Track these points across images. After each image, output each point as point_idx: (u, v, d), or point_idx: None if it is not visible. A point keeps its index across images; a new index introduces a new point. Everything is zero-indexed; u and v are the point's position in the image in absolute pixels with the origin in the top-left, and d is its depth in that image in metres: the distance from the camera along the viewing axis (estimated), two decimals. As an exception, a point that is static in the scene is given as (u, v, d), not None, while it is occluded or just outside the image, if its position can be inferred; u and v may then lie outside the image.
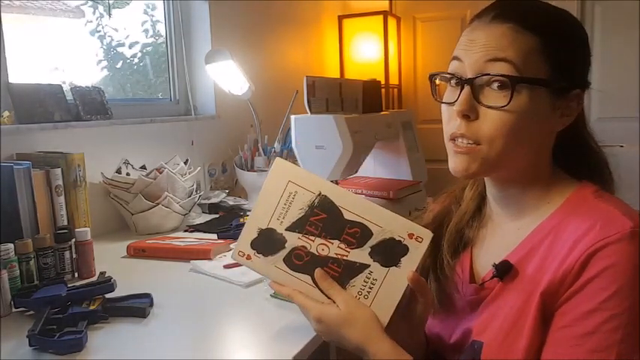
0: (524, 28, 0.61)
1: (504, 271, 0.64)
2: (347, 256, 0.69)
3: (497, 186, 0.70)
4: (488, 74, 0.61)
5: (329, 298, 0.69)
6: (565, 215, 0.63)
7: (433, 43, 2.88)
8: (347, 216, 0.69)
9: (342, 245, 0.69)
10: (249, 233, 0.73)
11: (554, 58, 0.62)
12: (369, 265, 0.68)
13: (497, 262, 0.65)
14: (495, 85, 0.61)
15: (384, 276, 0.68)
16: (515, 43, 0.61)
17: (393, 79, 2.86)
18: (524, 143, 0.63)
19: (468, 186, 0.79)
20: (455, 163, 0.66)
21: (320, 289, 0.70)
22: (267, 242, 0.72)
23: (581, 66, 0.66)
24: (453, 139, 0.65)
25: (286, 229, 0.71)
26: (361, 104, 1.51)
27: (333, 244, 0.69)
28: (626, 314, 0.55)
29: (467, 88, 0.62)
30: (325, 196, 0.70)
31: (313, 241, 0.70)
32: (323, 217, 0.70)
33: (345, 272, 0.69)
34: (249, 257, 0.73)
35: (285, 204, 0.72)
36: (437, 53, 2.84)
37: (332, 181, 1.36)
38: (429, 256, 0.75)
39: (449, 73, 0.66)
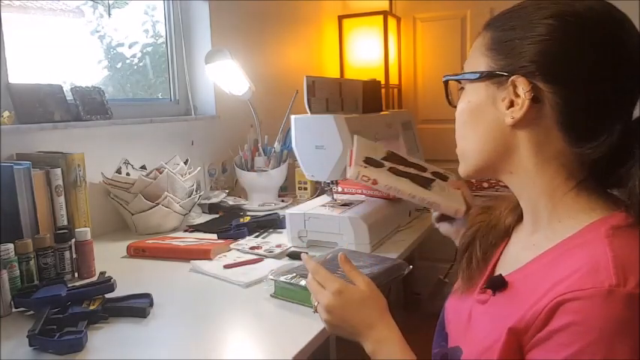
0: (485, 29, 0.65)
1: (495, 285, 0.62)
2: (423, 173, 1.11)
3: (513, 190, 0.68)
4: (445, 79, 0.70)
5: (350, 280, 0.77)
6: (570, 247, 0.57)
7: (433, 43, 2.87)
8: (409, 159, 1.17)
9: (415, 170, 1.12)
10: (359, 157, 1.10)
11: (493, 49, 0.62)
12: (434, 179, 1.08)
13: (498, 275, 0.63)
14: (459, 88, 0.68)
15: (444, 185, 1.06)
16: (472, 48, 0.66)
17: (393, 79, 2.86)
18: (473, 138, 0.66)
19: (505, 201, 0.78)
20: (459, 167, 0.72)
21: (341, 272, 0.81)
22: (372, 162, 1.10)
23: (525, 52, 0.58)
24: None
25: (381, 159, 1.13)
26: (361, 104, 1.51)
27: (410, 168, 1.12)
28: None
29: (460, 92, 0.69)
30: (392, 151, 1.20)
31: (398, 166, 1.12)
32: (397, 158, 1.16)
33: (423, 181, 1.07)
34: (365, 166, 1.07)
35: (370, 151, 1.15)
36: (437, 53, 2.84)
37: (332, 181, 1.37)
38: (475, 232, 0.75)
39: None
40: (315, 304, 0.77)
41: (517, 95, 0.59)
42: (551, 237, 0.60)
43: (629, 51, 0.57)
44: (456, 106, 0.69)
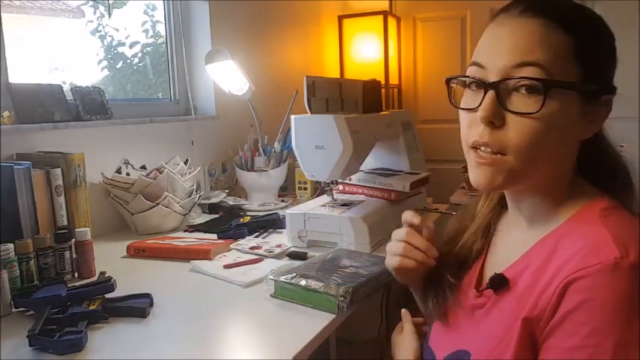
0: (556, 25, 0.57)
1: (498, 283, 0.62)
2: None
3: (514, 197, 0.67)
4: (516, 77, 0.56)
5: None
6: (565, 233, 0.59)
7: (433, 43, 2.88)
8: None
9: None
10: None
11: (586, 59, 0.57)
12: None
13: (497, 272, 0.63)
14: (524, 89, 0.56)
15: None
16: (545, 43, 0.56)
17: (393, 79, 2.86)
18: (553, 152, 0.59)
19: (482, 200, 0.77)
20: (478, 176, 0.61)
21: None
22: None
23: (611, 70, 0.61)
24: (475, 147, 0.60)
25: None
26: (361, 104, 1.51)
27: None
28: (609, 352, 0.50)
29: (491, 93, 0.58)
30: None
31: None
32: None
33: None
34: None
35: None
36: (437, 53, 2.84)
37: (332, 182, 1.37)
38: (434, 273, 0.74)
39: (470, 77, 0.61)
40: None
41: (597, 112, 0.60)
42: (545, 228, 0.62)
43: None
44: (459, 108, 0.64)
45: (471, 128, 0.61)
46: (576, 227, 0.58)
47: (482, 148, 0.59)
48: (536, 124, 0.56)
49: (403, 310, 0.84)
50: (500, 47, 0.58)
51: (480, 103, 0.58)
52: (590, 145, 0.63)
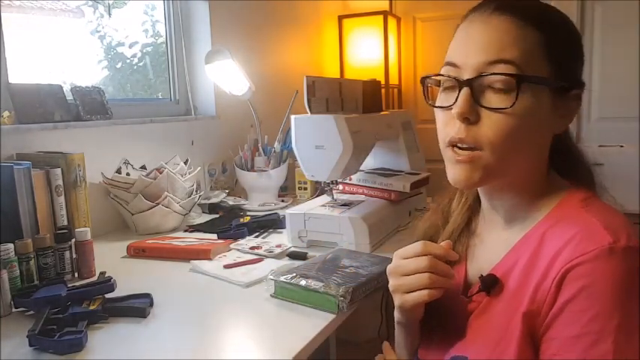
0: (527, 23, 0.58)
1: (490, 284, 0.62)
2: None
3: (490, 194, 0.67)
4: (493, 73, 0.57)
5: None
6: (551, 224, 0.59)
7: (433, 43, 2.88)
8: None
9: None
10: None
11: (556, 56, 0.59)
12: None
13: (484, 274, 0.63)
14: (498, 85, 0.57)
15: None
16: (517, 41, 0.58)
17: (393, 79, 2.86)
18: (527, 147, 0.60)
19: (456, 199, 0.75)
20: (455, 174, 0.62)
21: None
22: None
23: (580, 65, 0.63)
24: (451, 145, 0.61)
25: None
26: (361, 104, 1.51)
27: None
28: (612, 337, 0.50)
29: (466, 90, 0.59)
30: None
31: None
32: None
33: None
34: None
35: None
36: (437, 53, 2.84)
37: (332, 182, 1.37)
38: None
39: (445, 75, 0.62)
40: None
41: (568, 106, 0.61)
42: (527, 223, 0.63)
43: None
44: (434, 106, 0.64)
45: (447, 126, 0.62)
46: (561, 218, 0.59)
47: (459, 145, 0.60)
48: (509, 119, 0.57)
49: (385, 343, 0.78)
50: (474, 45, 0.59)
51: (455, 101, 0.59)
52: (558, 140, 0.65)
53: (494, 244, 0.66)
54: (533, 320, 0.56)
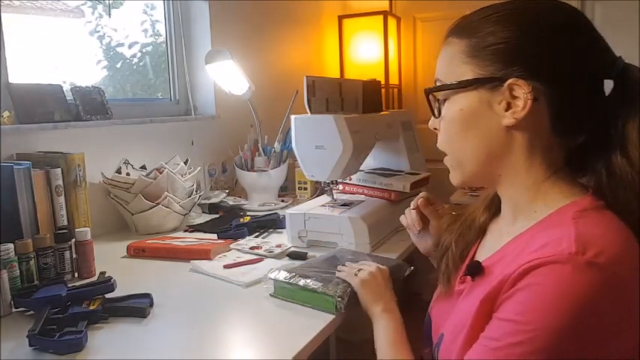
0: (453, 37, 0.66)
1: (473, 271, 0.66)
2: None
3: (496, 189, 0.72)
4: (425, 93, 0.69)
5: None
6: (541, 230, 0.61)
7: (433, 43, 2.87)
8: None
9: None
10: None
11: (476, 56, 0.63)
12: None
13: (475, 260, 0.68)
14: (439, 99, 0.69)
15: None
16: (442, 57, 0.68)
17: (393, 79, 2.86)
18: (474, 144, 0.65)
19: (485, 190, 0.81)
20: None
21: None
22: None
23: (514, 55, 0.61)
24: None
25: None
26: (361, 104, 1.51)
27: None
28: (530, 336, 0.52)
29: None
30: None
31: None
32: None
33: None
34: None
35: None
36: (437, 53, 2.82)
37: (332, 182, 1.37)
38: (451, 234, 0.79)
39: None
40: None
41: (514, 97, 0.61)
42: (527, 223, 0.64)
43: (596, 37, 0.63)
44: (437, 117, 0.70)
45: None
46: (550, 225, 0.60)
47: None
48: (445, 123, 0.68)
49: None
50: None
51: None
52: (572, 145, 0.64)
53: (500, 237, 0.69)
54: (490, 305, 0.59)
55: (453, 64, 0.66)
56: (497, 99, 0.62)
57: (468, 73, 0.64)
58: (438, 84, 0.68)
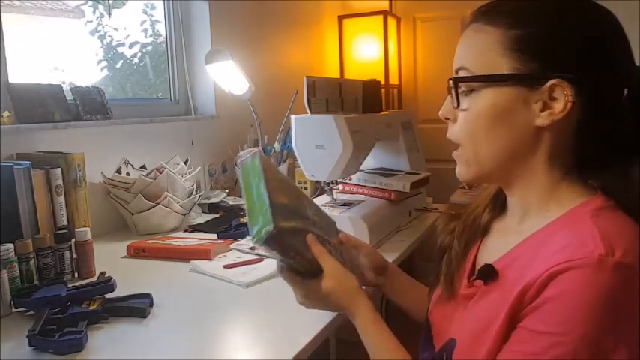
0: (485, 24, 0.62)
1: (487, 274, 0.64)
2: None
3: (504, 190, 0.70)
4: (449, 79, 0.64)
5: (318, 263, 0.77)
6: (556, 229, 0.60)
7: (433, 43, 2.87)
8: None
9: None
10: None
11: (517, 50, 0.59)
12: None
13: (487, 263, 0.65)
14: (461, 89, 0.64)
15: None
16: (472, 45, 0.63)
17: (393, 79, 2.86)
18: (500, 143, 0.62)
19: (484, 187, 0.79)
20: (456, 169, 0.69)
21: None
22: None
23: (559, 54, 0.59)
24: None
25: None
26: (361, 104, 1.51)
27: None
28: (573, 345, 0.51)
29: (448, 95, 0.66)
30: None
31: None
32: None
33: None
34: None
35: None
36: (437, 53, 2.84)
37: (332, 182, 1.37)
38: (447, 235, 0.77)
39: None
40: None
41: (553, 98, 0.59)
42: (538, 223, 0.63)
43: (628, 46, 0.62)
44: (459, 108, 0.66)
45: None
46: (567, 224, 0.59)
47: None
48: (468, 116, 0.64)
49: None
50: (455, 55, 0.66)
51: None
52: (584, 144, 0.63)
53: (507, 237, 0.67)
54: (516, 317, 0.57)
55: (487, 54, 0.61)
56: (534, 97, 0.60)
57: (504, 66, 0.60)
58: (462, 73, 0.63)
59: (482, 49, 0.62)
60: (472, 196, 0.85)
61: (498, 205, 0.74)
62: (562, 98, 0.58)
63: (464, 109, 0.64)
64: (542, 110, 0.60)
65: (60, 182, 1.22)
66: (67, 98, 1.46)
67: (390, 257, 1.18)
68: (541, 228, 0.62)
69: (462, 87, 0.64)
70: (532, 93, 0.60)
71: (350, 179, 1.49)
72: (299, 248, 0.76)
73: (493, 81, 0.61)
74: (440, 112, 0.67)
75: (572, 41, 0.59)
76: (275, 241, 0.71)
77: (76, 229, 1.15)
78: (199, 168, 1.69)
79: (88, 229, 1.16)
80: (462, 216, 0.77)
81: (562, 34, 0.59)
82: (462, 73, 0.64)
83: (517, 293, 0.57)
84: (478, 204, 0.76)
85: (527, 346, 0.54)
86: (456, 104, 0.64)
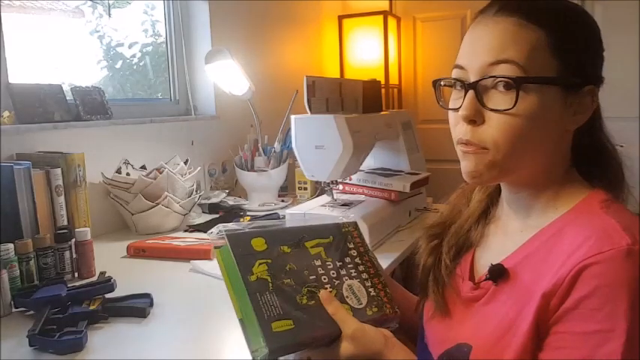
0: (528, 22, 0.58)
1: (498, 274, 0.62)
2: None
3: (509, 188, 0.68)
4: (491, 76, 0.58)
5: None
6: (567, 223, 0.59)
7: (433, 43, 2.88)
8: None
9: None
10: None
11: (563, 52, 0.58)
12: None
13: (494, 263, 0.63)
14: (501, 86, 0.58)
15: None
16: (519, 40, 0.58)
17: (393, 79, 2.86)
18: (536, 146, 0.60)
19: (477, 187, 0.77)
20: (464, 166, 0.63)
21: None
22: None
23: (593, 60, 0.62)
24: (460, 143, 0.63)
25: None
26: (361, 104, 1.51)
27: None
28: (623, 337, 0.51)
29: (470, 93, 0.60)
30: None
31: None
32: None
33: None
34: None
35: None
36: (437, 53, 2.84)
37: (332, 182, 1.37)
38: (430, 255, 0.74)
39: (452, 79, 0.63)
40: None
41: (582, 103, 0.60)
42: (544, 220, 0.63)
43: None
44: (446, 109, 0.65)
45: (456, 127, 0.63)
46: (579, 217, 0.59)
47: (467, 145, 0.62)
48: (512, 119, 0.58)
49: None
50: (477, 48, 0.60)
51: (462, 103, 0.61)
52: (587, 138, 0.65)
53: (509, 235, 0.67)
54: (544, 315, 0.56)
55: (537, 54, 0.58)
56: (570, 100, 0.60)
57: (552, 68, 0.58)
58: (508, 67, 0.57)
59: (533, 47, 0.58)
60: (448, 203, 0.82)
61: (490, 211, 0.73)
62: (590, 102, 0.60)
63: (505, 110, 0.58)
64: (574, 114, 0.61)
65: (60, 182, 1.22)
66: (67, 98, 1.46)
67: (390, 257, 1.19)
68: (549, 223, 0.62)
69: (501, 85, 0.58)
70: (569, 96, 0.60)
71: (350, 179, 1.49)
72: (305, 342, 0.66)
73: (552, 83, 0.58)
74: (463, 113, 0.60)
75: (600, 46, 0.63)
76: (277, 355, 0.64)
77: (76, 229, 1.15)
78: (199, 168, 1.69)
79: (88, 229, 1.16)
80: (445, 234, 0.75)
81: (593, 39, 0.62)
82: (507, 67, 0.57)
83: (543, 294, 0.56)
84: (468, 216, 0.74)
85: (573, 352, 0.53)
86: (512, 104, 0.57)
